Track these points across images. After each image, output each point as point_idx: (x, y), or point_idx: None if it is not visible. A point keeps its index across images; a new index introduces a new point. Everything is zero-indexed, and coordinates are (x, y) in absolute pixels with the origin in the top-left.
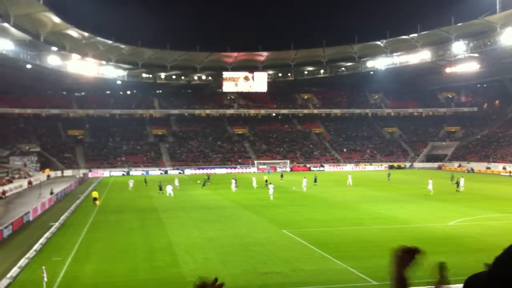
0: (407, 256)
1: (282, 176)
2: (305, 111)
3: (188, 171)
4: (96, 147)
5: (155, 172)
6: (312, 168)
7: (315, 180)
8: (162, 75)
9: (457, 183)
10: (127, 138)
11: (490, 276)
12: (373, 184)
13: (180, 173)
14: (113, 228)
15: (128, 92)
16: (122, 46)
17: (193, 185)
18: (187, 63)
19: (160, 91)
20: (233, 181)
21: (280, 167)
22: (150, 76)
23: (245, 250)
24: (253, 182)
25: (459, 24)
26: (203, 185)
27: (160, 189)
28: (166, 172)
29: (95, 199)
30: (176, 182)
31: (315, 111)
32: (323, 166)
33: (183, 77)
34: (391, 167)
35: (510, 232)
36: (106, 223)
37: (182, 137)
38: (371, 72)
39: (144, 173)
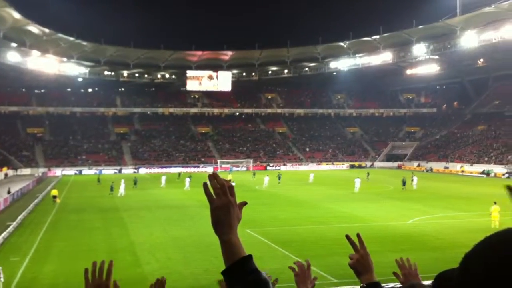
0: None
1: (254, 174)
2: (269, 110)
3: (143, 170)
4: (56, 145)
5: (109, 171)
6: (268, 168)
7: (279, 179)
8: (125, 73)
9: (403, 182)
10: (88, 137)
11: (460, 272)
12: (335, 183)
13: (135, 172)
14: (73, 228)
15: (90, 90)
16: (84, 43)
17: (156, 183)
18: (151, 61)
19: (123, 89)
20: (187, 179)
21: (236, 167)
22: (113, 74)
23: (208, 249)
24: None
25: (420, 26)
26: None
27: (112, 189)
28: (120, 171)
29: (54, 197)
30: (163, 181)
31: (279, 110)
32: (285, 165)
33: (146, 75)
34: (352, 167)
35: (467, 230)
36: (66, 222)
37: (145, 135)
38: (334, 73)
39: (98, 172)
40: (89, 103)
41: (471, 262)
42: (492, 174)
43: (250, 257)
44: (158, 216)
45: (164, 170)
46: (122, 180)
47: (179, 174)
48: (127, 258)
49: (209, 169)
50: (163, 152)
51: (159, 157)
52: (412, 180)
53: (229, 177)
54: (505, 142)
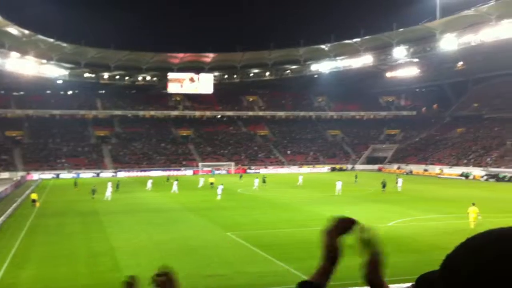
0: (343, 224)
1: (241, 177)
2: (251, 113)
3: (122, 174)
4: (36, 148)
5: (87, 175)
6: (248, 171)
7: (264, 182)
8: (106, 75)
9: (383, 184)
10: (68, 140)
11: (441, 275)
12: (317, 186)
13: (113, 175)
14: (52, 232)
15: (70, 92)
16: (64, 44)
17: (139, 187)
18: (132, 63)
19: (104, 91)
20: (175, 182)
21: (217, 170)
22: (93, 76)
23: (190, 253)
24: (199, 183)
25: (400, 30)
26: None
27: (93, 193)
28: (98, 175)
29: (34, 200)
30: (149, 184)
31: (261, 113)
32: (266, 168)
33: (127, 78)
34: (333, 169)
35: (446, 232)
36: (45, 227)
37: (126, 138)
38: (316, 75)
39: (75, 176)
40: (69, 106)
41: (453, 264)
42: (471, 177)
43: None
44: (140, 220)
45: (147, 173)
46: (109, 184)
47: (168, 177)
48: (107, 263)
49: (190, 172)
50: (144, 155)
51: (139, 160)
52: (397, 182)
53: (211, 179)
54: (483, 145)
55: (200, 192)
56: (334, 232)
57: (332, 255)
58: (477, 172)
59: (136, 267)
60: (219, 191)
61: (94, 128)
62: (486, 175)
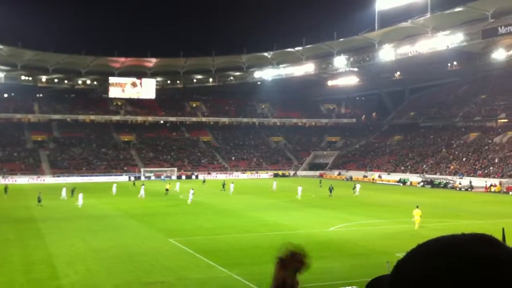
0: (292, 261)
1: (204, 181)
2: (194, 119)
3: (50, 180)
4: None
5: (22, 180)
6: (182, 177)
7: (223, 187)
8: (44, 78)
9: (330, 189)
10: (3, 144)
11: (392, 280)
12: (260, 191)
13: (42, 182)
14: None
15: (6, 95)
16: (0, 46)
17: (101, 192)
18: (71, 66)
19: (41, 95)
20: (142, 187)
21: (159, 176)
22: (30, 79)
23: (130, 260)
24: (141, 190)
25: (341, 39)
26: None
27: (39, 201)
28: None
29: None
30: (114, 189)
31: (204, 119)
32: (210, 174)
33: (66, 81)
34: (276, 175)
35: (385, 237)
36: None
37: (64, 143)
38: (259, 82)
39: (7, 181)
40: (4, 109)
41: (403, 270)
42: (408, 183)
43: None
44: (79, 227)
45: (88, 179)
46: (64, 189)
47: (134, 182)
48: (45, 271)
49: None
50: (83, 161)
51: (79, 165)
52: (355, 187)
53: (167, 186)
54: (419, 152)
55: (143, 198)
56: (287, 266)
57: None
58: (414, 178)
59: (74, 275)
60: (190, 195)
61: (31, 133)
62: (422, 181)
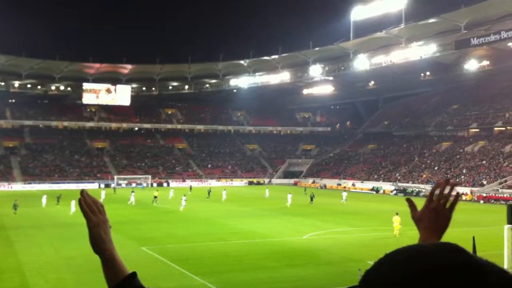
0: None
1: (190, 188)
2: (169, 126)
3: (18, 187)
4: None
5: None
6: (154, 184)
7: (209, 194)
8: (16, 83)
9: (311, 198)
10: None
11: None
12: (234, 199)
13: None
14: None
15: None
16: None
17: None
18: (45, 72)
19: (13, 100)
20: (103, 191)
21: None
22: (3, 84)
23: (101, 269)
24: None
25: (316, 48)
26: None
27: (15, 208)
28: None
29: None
30: (103, 195)
31: (179, 126)
32: (184, 181)
33: (39, 87)
34: (250, 183)
35: (358, 245)
36: None
37: (36, 150)
38: (235, 90)
39: None
40: None
41: (371, 279)
42: (381, 191)
43: (134, 274)
44: (50, 235)
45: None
46: (44, 196)
47: (114, 189)
48: (15, 279)
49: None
50: (56, 168)
51: (51, 172)
52: (342, 196)
53: (155, 193)
54: (392, 161)
55: (115, 206)
56: None
57: None
58: (387, 186)
59: (45, 284)
60: (183, 202)
61: (2, 139)
62: (395, 189)
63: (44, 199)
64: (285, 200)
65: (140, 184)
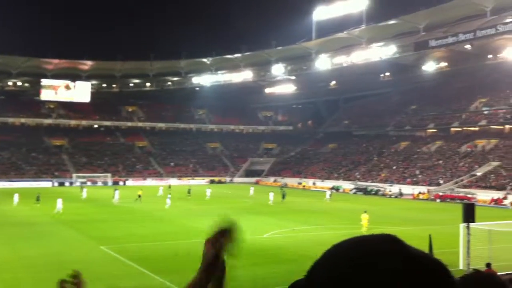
0: (221, 237)
1: (169, 187)
2: (129, 123)
3: None
4: None
5: None
6: (109, 183)
7: (189, 192)
8: None
9: (283, 195)
10: None
11: (306, 281)
12: (194, 198)
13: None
14: None
15: None
16: None
17: (5, 199)
18: (1, 67)
19: None
20: (116, 191)
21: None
22: None
23: (60, 268)
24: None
25: (279, 48)
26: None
27: None
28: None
29: None
30: (84, 193)
31: (140, 124)
32: (145, 180)
33: None
34: (212, 182)
35: (318, 243)
36: None
37: None
38: (197, 88)
39: None
40: None
41: (312, 273)
42: (341, 190)
43: None
44: (6, 234)
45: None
46: (16, 195)
47: (81, 187)
48: None
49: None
50: (12, 165)
51: (7, 170)
52: (326, 194)
53: (139, 192)
54: (352, 160)
55: (76, 205)
56: (216, 241)
57: (210, 267)
58: (347, 185)
59: (1, 283)
60: (168, 200)
61: None
62: (355, 188)
63: (16, 198)
64: (248, 199)
65: (84, 182)
